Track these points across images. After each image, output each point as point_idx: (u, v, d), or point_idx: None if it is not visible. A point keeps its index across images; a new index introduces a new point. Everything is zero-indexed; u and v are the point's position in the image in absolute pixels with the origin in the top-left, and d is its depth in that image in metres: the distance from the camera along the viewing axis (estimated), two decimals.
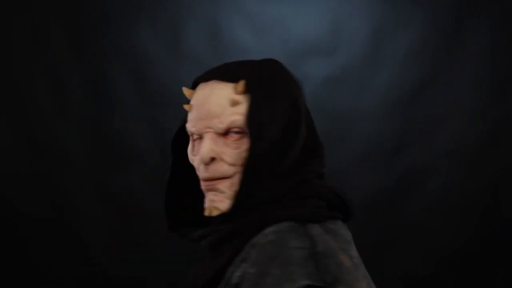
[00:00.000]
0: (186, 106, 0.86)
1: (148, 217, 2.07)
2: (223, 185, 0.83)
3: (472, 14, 2.04)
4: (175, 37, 2.09)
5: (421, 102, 2.08)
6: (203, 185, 0.84)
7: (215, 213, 0.83)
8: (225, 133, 0.82)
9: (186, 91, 0.87)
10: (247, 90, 0.83)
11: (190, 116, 0.85)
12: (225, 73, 0.85)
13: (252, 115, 0.82)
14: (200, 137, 0.84)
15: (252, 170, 0.81)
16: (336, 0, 2.07)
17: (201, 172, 0.83)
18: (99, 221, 2.12)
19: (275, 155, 0.82)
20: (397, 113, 2.09)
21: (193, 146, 0.86)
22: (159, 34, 2.09)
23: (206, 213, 0.84)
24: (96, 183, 2.13)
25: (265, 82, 0.84)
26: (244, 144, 0.82)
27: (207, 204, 0.84)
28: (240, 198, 0.82)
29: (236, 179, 0.82)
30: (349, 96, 2.08)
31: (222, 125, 0.82)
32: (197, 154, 0.85)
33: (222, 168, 0.82)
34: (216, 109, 0.82)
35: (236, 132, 0.82)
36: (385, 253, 2.08)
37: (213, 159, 0.82)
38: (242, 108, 0.82)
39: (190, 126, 0.85)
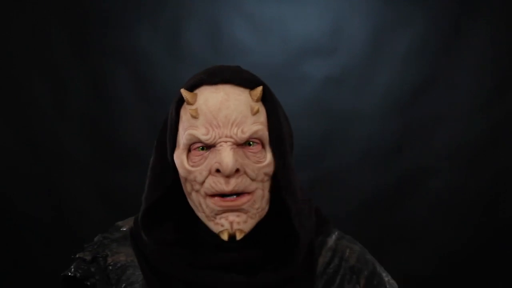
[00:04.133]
0: (190, 110, 0.75)
1: None
2: (247, 204, 0.75)
3: (472, 14, 2.04)
4: (175, 37, 2.09)
5: (421, 102, 2.08)
6: (217, 203, 0.75)
7: (239, 236, 0.75)
8: (244, 143, 0.75)
9: (186, 93, 0.75)
10: (263, 98, 0.77)
11: (198, 122, 0.74)
12: (239, 77, 0.77)
13: (275, 128, 0.76)
14: (209, 147, 0.75)
15: (286, 189, 0.77)
16: (336, 0, 2.07)
17: (219, 185, 0.74)
18: (99, 221, 2.12)
19: (292, 172, 0.79)
20: (397, 113, 2.09)
21: (195, 156, 0.76)
22: (159, 34, 2.09)
23: (225, 237, 0.75)
24: (96, 183, 2.13)
25: (271, 92, 0.80)
26: (264, 158, 0.76)
27: (225, 225, 0.75)
28: (267, 218, 0.78)
29: (256, 196, 0.75)
30: (349, 96, 2.08)
31: (243, 135, 0.74)
32: (200, 165, 0.76)
33: (246, 181, 0.74)
34: (237, 116, 0.73)
35: (255, 144, 0.76)
36: (385, 253, 2.07)
37: (237, 171, 0.73)
38: (262, 118, 0.76)
39: (200, 134, 0.74)
